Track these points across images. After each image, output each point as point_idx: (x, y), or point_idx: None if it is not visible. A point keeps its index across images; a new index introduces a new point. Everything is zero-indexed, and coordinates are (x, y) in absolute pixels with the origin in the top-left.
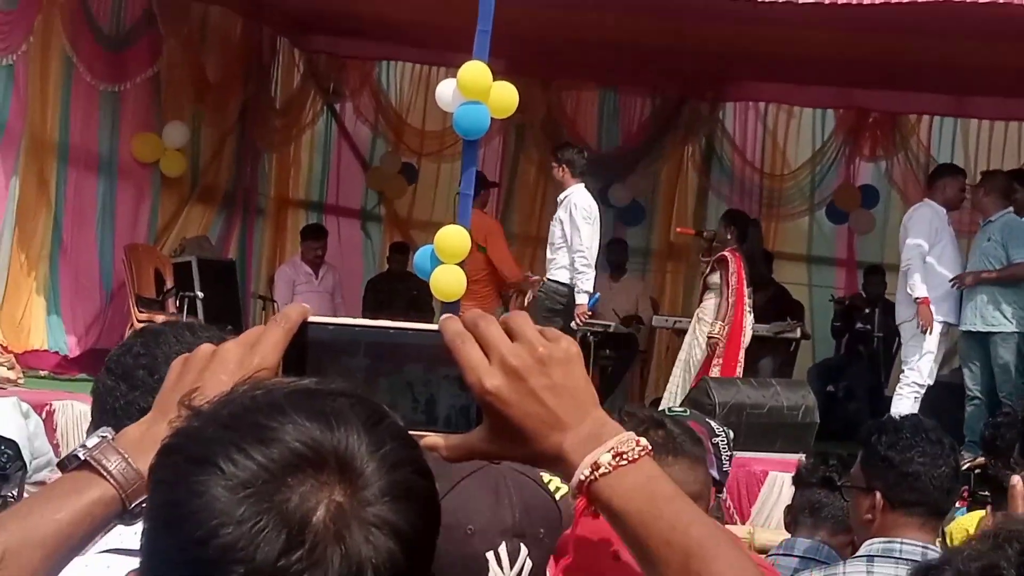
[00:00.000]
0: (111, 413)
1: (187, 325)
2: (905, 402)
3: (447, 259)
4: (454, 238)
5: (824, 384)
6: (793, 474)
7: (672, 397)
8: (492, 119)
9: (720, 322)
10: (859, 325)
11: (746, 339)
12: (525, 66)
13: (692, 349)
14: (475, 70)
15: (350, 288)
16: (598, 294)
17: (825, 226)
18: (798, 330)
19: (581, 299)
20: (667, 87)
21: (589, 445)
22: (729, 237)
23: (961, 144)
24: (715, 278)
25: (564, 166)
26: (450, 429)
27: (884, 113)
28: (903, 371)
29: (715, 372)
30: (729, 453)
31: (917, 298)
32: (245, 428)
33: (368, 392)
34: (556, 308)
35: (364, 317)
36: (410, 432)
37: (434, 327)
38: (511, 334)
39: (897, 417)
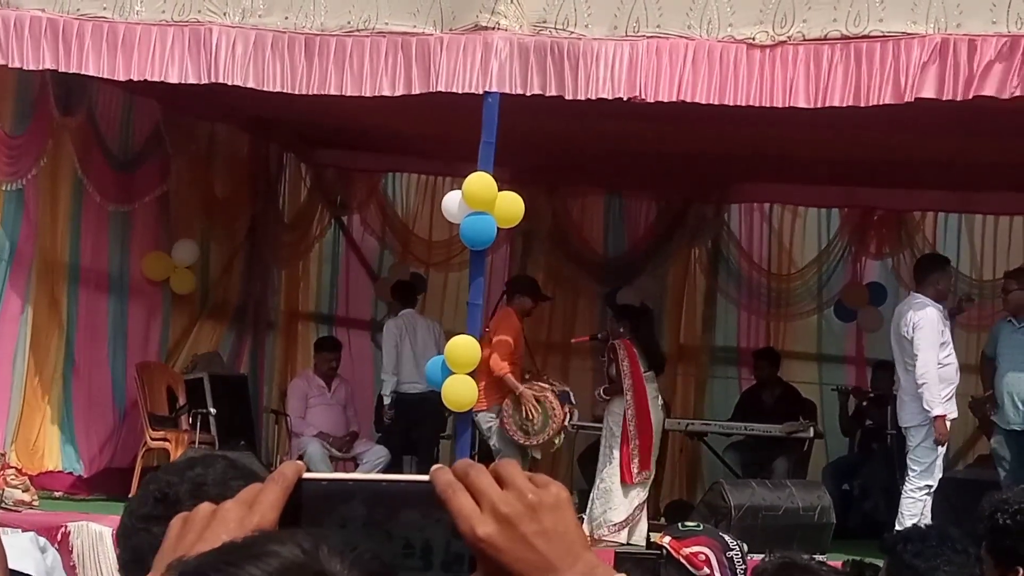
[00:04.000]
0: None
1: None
2: (918, 505)
3: (458, 369)
4: (464, 348)
5: (839, 483)
6: None
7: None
8: (499, 228)
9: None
10: (868, 422)
11: (656, 424)
12: (530, 174)
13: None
14: (480, 181)
15: (362, 400)
16: None
17: (834, 324)
18: (811, 429)
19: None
20: (672, 191)
21: None
22: (622, 331)
23: (967, 239)
24: (612, 370)
25: None
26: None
27: (889, 211)
28: (913, 472)
29: (635, 456)
30: (744, 566)
31: (936, 416)
32: (238, 552)
33: (363, 539)
34: None
35: (376, 428)
36: None
37: (426, 478)
38: (501, 481)
39: (923, 526)
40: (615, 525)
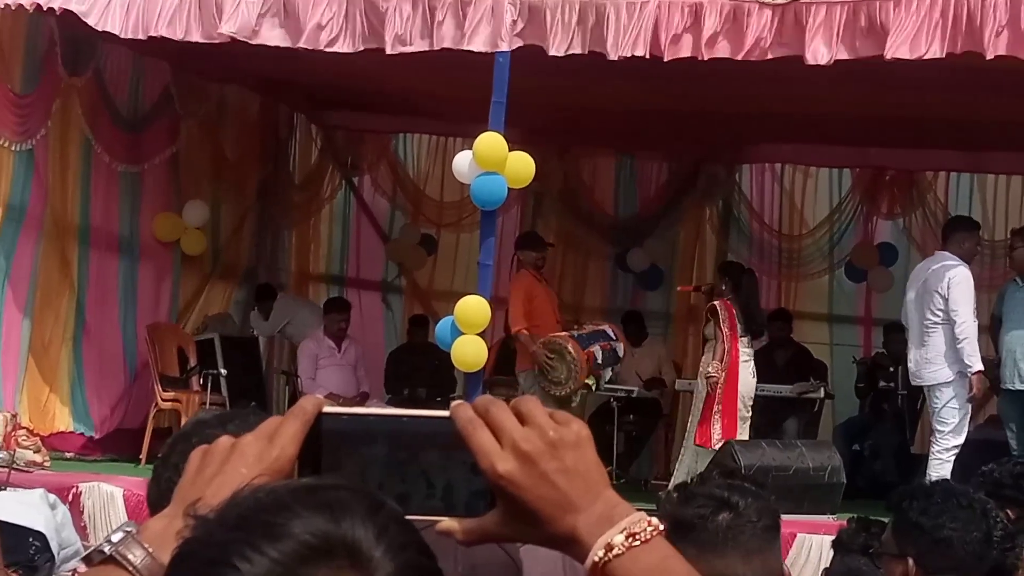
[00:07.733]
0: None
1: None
2: (946, 467)
3: (468, 330)
4: (474, 309)
5: (849, 443)
6: (834, 538)
7: (688, 467)
8: (509, 189)
9: (717, 363)
10: (883, 383)
11: (746, 388)
12: (541, 135)
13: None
14: (491, 141)
15: (373, 361)
16: None
17: (845, 285)
18: (822, 390)
19: None
20: (683, 152)
21: (602, 526)
22: (724, 288)
23: (979, 199)
24: (710, 329)
25: None
26: (469, 514)
27: (900, 171)
28: (940, 433)
29: (716, 421)
30: None
31: (976, 371)
32: (254, 527)
33: (386, 480)
34: None
35: (386, 389)
36: (427, 517)
37: (446, 414)
38: (522, 418)
39: (928, 482)
40: None
